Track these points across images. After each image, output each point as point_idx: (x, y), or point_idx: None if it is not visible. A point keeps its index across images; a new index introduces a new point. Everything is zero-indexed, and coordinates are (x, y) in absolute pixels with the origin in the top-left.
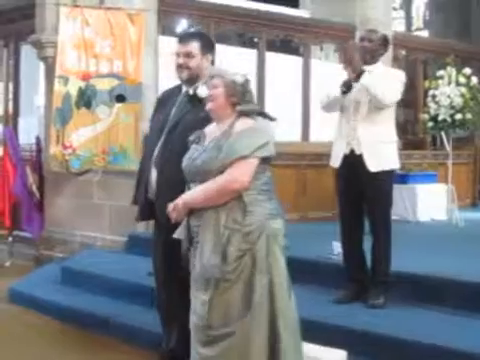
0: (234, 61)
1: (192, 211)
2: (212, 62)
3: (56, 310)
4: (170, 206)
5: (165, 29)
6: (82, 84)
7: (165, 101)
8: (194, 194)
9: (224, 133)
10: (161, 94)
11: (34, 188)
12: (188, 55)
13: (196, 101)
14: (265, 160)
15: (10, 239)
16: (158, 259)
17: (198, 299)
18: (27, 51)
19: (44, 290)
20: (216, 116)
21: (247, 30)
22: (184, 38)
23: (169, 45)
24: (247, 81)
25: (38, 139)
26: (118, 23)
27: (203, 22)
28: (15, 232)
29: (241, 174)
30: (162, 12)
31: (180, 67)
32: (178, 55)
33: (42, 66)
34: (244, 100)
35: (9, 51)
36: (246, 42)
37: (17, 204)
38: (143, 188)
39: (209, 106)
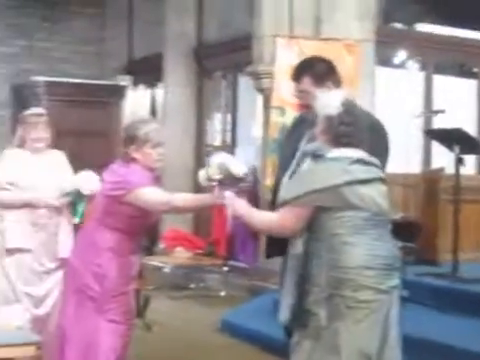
0: (453, 92)
1: None
2: (337, 84)
3: (269, 342)
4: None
5: (383, 60)
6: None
7: (294, 130)
8: (255, 213)
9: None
10: (292, 122)
11: None
12: (304, 93)
13: None
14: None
15: (225, 269)
16: None
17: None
18: (245, 82)
19: (257, 321)
20: None
21: (466, 60)
22: (296, 75)
23: (387, 76)
24: (347, 111)
25: (254, 169)
26: (334, 54)
27: (421, 52)
28: (230, 262)
29: (284, 220)
30: (379, 42)
31: (301, 107)
32: (296, 95)
33: (259, 97)
34: (338, 135)
35: (227, 82)
36: (465, 72)
37: (232, 233)
38: None
39: None
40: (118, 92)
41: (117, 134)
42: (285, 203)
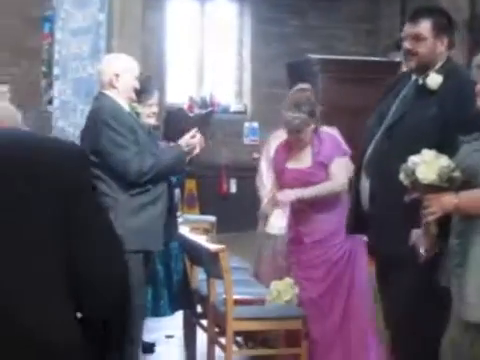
0: None
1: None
2: (449, 45)
3: None
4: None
5: None
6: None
7: (389, 90)
8: (472, 194)
9: None
10: (389, 81)
11: None
12: (417, 38)
13: (426, 93)
14: None
15: None
16: (391, 308)
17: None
18: None
19: None
20: None
21: None
22: (413, 17)
23: None
24: None
25: None
26: None
27: None
28: None
29: None
30: None
31: (408, 53)
32: (405, 38)
33: None
34: None
35: None
36: None
37: None
38: (353, 195)
39: None
40: (392, 69)
41: None
42: None
